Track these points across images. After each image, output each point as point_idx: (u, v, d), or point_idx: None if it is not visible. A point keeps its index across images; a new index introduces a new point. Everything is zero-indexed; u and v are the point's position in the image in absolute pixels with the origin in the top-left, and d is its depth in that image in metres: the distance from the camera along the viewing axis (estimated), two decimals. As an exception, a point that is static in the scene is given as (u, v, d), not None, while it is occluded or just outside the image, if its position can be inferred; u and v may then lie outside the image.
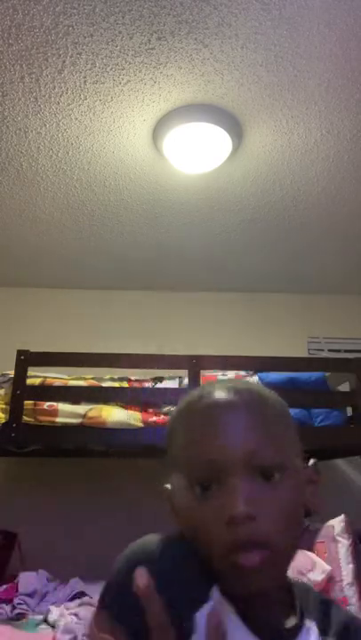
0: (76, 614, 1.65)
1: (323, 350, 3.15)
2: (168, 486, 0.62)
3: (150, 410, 2.02)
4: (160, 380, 2.24)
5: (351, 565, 1.90)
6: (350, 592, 1.85)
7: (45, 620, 1.68)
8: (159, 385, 2.20)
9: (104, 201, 2.35)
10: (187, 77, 1.69)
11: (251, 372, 2.19)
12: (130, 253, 2.82)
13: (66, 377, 2.14)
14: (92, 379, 2.17)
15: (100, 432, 1.94)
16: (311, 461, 0.62)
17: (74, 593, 1.89)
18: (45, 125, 1.90)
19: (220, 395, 0.58)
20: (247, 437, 0.55)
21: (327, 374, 2.23)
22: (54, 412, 1.96)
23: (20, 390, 1.97)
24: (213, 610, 0.49)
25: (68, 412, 1.97)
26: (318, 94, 1.77)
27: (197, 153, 1.96)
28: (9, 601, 1.85)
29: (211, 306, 3.22)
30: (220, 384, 0.61)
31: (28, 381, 2.02)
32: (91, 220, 2.50)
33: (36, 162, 2.09)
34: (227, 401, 0.58)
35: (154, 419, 1.98)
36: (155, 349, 2.58)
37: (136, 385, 2.17)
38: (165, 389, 2.13)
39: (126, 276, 3.09)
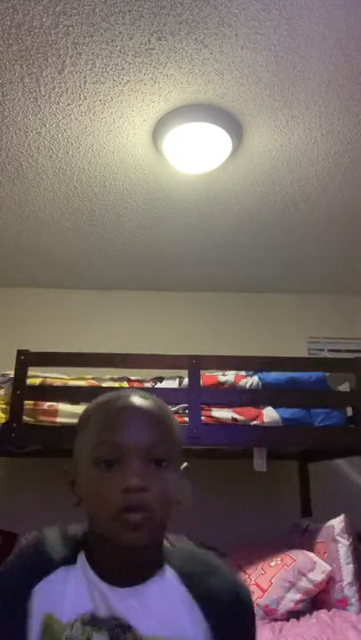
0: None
1: (323, 350, 3.15)
2: (67, 466, 0.78)
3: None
4: (160, 379, 2.24)
5: (351, 565, 1.90)
6: (350, 592, 1.85)
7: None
8: (159, 385, 2.20)
9: (104, 201, 2.35)
10: (187, 77, 1.69)
11: (251, 372, 2.19)
12: (130, 253, 2.82)
13: (66, 377, 2.14)
14: (92, 379, 2.16)
15: (100, 432, 1.94)
16: (185, 465, 0.79)
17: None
18: (45, 125, 1.90)
19: (134, 399, 0.76)
20: (149, 434, 0.72)
21: (327, 374, 2.23)
22: (54, 412, 1.96)
23: (20, 390, 1.97)
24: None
25: (68, 412, 1.97)
26: (318, 94, 1.77)
27: (197, 153, 1.96)
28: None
29: (211, 306, 3.22)
30: (135, 391, 0.78)
31: (28, 381, 2.02)
32: (91, 219, 2.50)
33: (36, 162, 2.09)
34: (139, 404, 0.75)
35: (154, 419, 1.98)
36: (155, 349, 2.57)
37: (136, 385, 2.17)
38: (165, 389, 2.12)
39: (126, 276, 3.09)
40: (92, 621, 0.67)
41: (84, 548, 0.74)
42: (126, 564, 0.70)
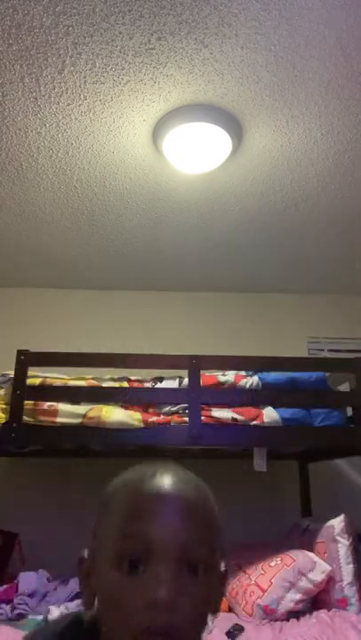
0: (76, 614, 1.64)
1: (323, 350, 3.15)
2: (85, 554, 0.64)
3: (150, 410, 2.03)
4: (160, 379, 2.24)
5: (351, 565, 1.90)
6: (350, 592, 1.85)
7: (45, 621, 1.68)
8: (159, 385, 2.20)
9: (104, 201, 2.35)
10: (187, 77, 1.69)
11: (251, 372, 2.19)
12: (130, 253, 2.82)
13: (66, 377, 2.14)
14: (92, 379, 2.16)
15: (100, 432, 1.94)
16: (223, 566, 0.65)
17: (74, 593, 1.89)
18: (45, 125, 1.90)
19: (169, 480, 0.61)
20: (185, 531, 0.58)
21: (327, 374, 2.23)
22: (54, 412, 1.96)
23: (20, 390, 1.97)
24: None
25: (68, 412, 1.96)
26: (318, 94, 1.77)
27: (197, 153, 1.96)
28: (9, 601, 1.85)
29: (211, 306, 3.22)
30: (171, 469, 0.63)
31: (28, 381, 2.02)
32: (91, 219, 2.50)
33: (36, 162, 2.09)
34: (174, 490, 0.60)
35: (154, 419, 1.98)
36: (155, 349, 2.58)
37: (136, 385, 2.17)
38: (165, 389, 2.12)
39: (126, 276, 3.09)
40: None
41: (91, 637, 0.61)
42: None
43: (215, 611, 0.62)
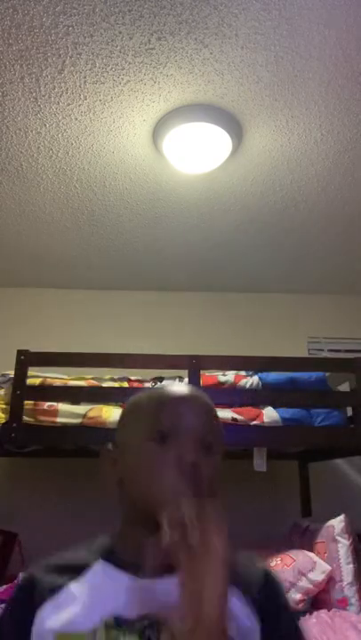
0: (76, 614, 1.64)
1: (323, 350, 3.15)
2: (110, 446, 0.79)
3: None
4: (160, 379, 2.24)
5: (351, 565, 1.90)
6: (350, 592, 1.85)
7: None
8: (159, 385, 2.20)
9: (104, 201, 2.35)
10: (187, 77, 1.69)
11: (251, 372, 2.19)
12: (130, 253, 2.82)
13: (66, 377, 2.14)
14: (92, 379, 2.16)
15: (100, 432, 1.94)
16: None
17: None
18: (45, 125, 1.90)
19: (185, 388, 0.79)
20: (201, 419, 0.74)
21: (327, 374, 2.23)
22: (54, 412, 1.96)
23: (20, 390, 1.97)
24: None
25: (68, 412, 1.97)
26: (318, 94, 1.77)
27: (197, 153, 1.96)
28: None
29: (211, 306, 3.22)
30: (181, 384, 0.77)
31: (28, 381, 2.02)
32: (91, 219, 2.50)
33: (36, 162, 2.09)
34: (190, 393, 0.78)
35: (154, 419, 1.98)
36: (155, 349, 2.57)
37: (136, 385, 2.17)
38: (165, 389, 2.12)
39: (126, 276, 3.09)
40: (118, 625, 0.61)
41: (102, 556, 0.70)
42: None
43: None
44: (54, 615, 0.64)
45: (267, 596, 0.69)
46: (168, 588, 0.58)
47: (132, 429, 0.75)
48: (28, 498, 2.62)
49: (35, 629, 0.64)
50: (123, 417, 0.80)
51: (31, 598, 0.67)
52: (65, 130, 1.92)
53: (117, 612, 0.62)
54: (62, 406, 1.98)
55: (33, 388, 2.03)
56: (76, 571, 0.69)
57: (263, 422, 2.02)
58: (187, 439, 0.70)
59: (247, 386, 2.14)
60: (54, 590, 0.66)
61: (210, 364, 2.14)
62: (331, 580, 1.86)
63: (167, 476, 0.67)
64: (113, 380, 2.18)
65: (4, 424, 1.93)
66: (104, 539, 0.76)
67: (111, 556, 0.70)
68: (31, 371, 2.05)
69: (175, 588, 0.57)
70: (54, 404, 1.98)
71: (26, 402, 1.96)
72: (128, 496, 0.73)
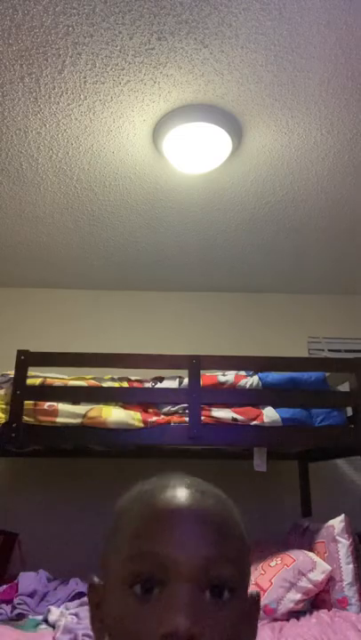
0: (75, 614, 1.65)
1: (323, 350, 3.15)
2: (96, 580, 0.57)
3: (150, 410, 2.03)
4: (160, 379, 2.24)
5: (351, 565, 1.90)
6: (350, 592, 1.85)
7: (45, 621, 1.68)
8: (159, 385, 2.20)
9: (104, 201, 2.35)
10: (187, 77, 1.69)
11: (251, 372, 2.19)
12: (130, 253, 2.82)
13: (66, 377, 2.14)
14: (92, 379, 2.16)
15: (100, 432, 1.94)
16: (255, 591, 0.56)
17: (74, 593, 1.89)
18: (45, 125, 1.90)
19: (186, 493, 0.54)
20: (206, 547, 0.50)
21: (327, 374, 2.23)
22: (54, 412, 1.96)
23: (20, 390, 1.97)
24: None
25: (68, 412, 1.96)
26: (318, 94, 1.77)
27: (197, 153, 1.96)
28: (9, 601, 1.85)
29: (211, 306, 3.22)
30: (188, 480, 0.56)
31: (29, 381, 2.02)
32: (91, 219, 2.50)
33: (36, 162, 2.09)
34: (192, 502, 0.53)
35: (154, 419, 1.98)
36: (155, 349, 2.57)
37: (136, 385, 2.17)
38: (165, 389, 2.12)
39: (126, 276, 3.09)
40: None
41: None
42: None
43: None
44: None
45: None
46: None
47: (112, 562, 0.53)
48: (28, 498, 2.62)
49: None
50: (107, 535, 0.57)
51: None
52: (65, 130, 1.92)
53: None
54: (62, 406, 1.98)
55: (33, 388, 2.03)
56: None
57: (263, 422, 2.02)
58: (178, 586, 0.48)
59: (247, 386, 2.14)
60: None
61: (210, 364, 2.14)
62: (331, 580, 1.86)
63: None
64: (113, 379, 2.18)
65: (4, 424, 1.93)
66: None
67: None
68: (31, 371, 2.05)
69: None
70: (54, 404, 1.98)
71: (26, 402, 1.96)
72: None
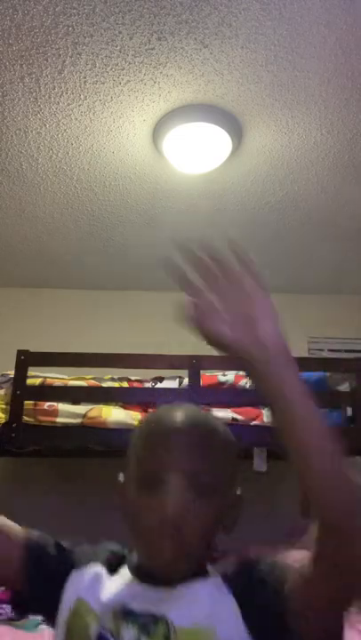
0: (76, 614, 1.64)
1: (323, 350, 3.15)
2: (121, 476, 0.76)
3: (150, 410, 2.03)
4: (160, 379, 2.24)
5: (351, 565, 1.89)
6: (350, 592, 1.85)
7: (45, 620, 1.68)
8: (159, 385, 2.20)
9: (104, 201, 2.35)
10: (187, 77, 1.69)
11: (251, 372, 2.19)
12: (130, 253, 2.82)
13: (66, 377, 2.14)
14: (92, 379, 2.16)
15: (100, 432, 1.94)
16: (239, 490, 0.75)
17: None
18: (45, 125, 1.90)
19: (181, 416, 0.72)
20: (192, 458, 0.68)
21: (327, 374, 2.23)
22: (54, 412, 1.96)
23: (20, 390, 1.97)
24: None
25: (68, 412, 1.97)
26: (318, 94, 1.76)
27: (197, 153, 1.96)
28: (9, 601, 1.85)
29: (211, 306, 3.22)
30: (187, 410, 0.74)
31: (29, 381, 2.02)
32: (91, 219, 2.50)
33: (36, 162, 2.09)
34: (185, 423, 0.71)
35: (154, 419, 1.98)
36: (155, 349, 2.57)
37: (136, 385, 2.17)
38: (165, 389, 2.13)
39: (126, 276, 3.09)
40: (125, 614, 0.67)
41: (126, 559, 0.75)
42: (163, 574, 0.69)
43: (227, 529, 0.72)
44: (83, 581, 0.72)
45: (238, 572, 0.71)
46: (172, 593, 0.67)
47: (130, 465, 0.73)
48: (28, 498, 2.61)
49: (69, 581, 0.73)
50: (130, 445, 0.76)
51: (94, 554, 0.77)
52: (65, 130, 1.92)
53: (125, 602, 0.68)
54: (62, 406, 1.98)
55: (33, 388, 2.03)
56: (106, 559, 0.76)
57: (263, 422, 2.02)
58: (170, 488, 0.65)
59: (247, 386, 2.14)
60: (89, 562, 0.75)
61: (210, 364, 2.14)
62: (331, 580, 1.86)
63: (150, 531, 0.65)
64: (113, 379, 2.18)
65: (4, 424, 1.93)
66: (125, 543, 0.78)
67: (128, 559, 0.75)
68: (31, 371, 2.05)
69: (174, 594, 0.66)
70: (54, 404, 1.98)
71: (26, 402, 1.96)
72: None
